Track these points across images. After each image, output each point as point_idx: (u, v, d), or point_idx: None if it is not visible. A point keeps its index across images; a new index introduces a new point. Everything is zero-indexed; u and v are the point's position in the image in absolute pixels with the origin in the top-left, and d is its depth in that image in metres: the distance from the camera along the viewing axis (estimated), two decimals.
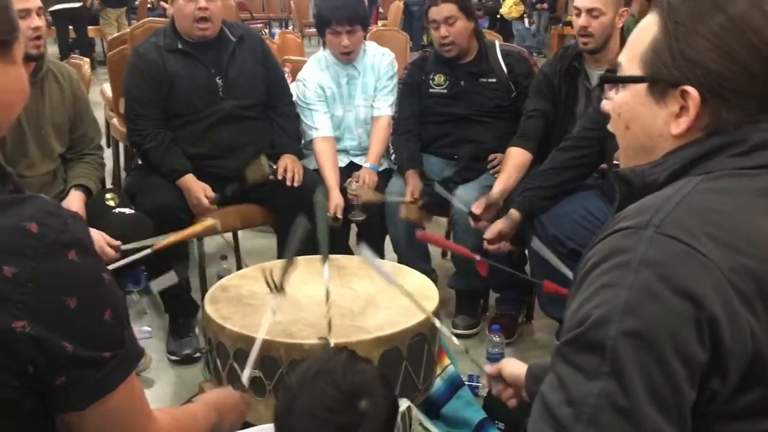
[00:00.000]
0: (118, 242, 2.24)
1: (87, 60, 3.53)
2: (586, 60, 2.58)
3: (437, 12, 2.75)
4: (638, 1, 4.91)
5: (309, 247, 2.38)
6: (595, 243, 0.94)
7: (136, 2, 10.07)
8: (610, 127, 1.06)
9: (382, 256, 2.86)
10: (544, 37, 10.40)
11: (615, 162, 2.12)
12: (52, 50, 8.34)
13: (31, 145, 2.42)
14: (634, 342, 0.83)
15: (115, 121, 3.54)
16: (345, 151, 3.03)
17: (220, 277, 2.59)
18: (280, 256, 2.67)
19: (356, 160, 3.01)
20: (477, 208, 2.45)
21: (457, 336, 2.67)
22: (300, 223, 1.77)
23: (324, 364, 1.10)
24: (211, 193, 2.59)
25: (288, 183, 2.70)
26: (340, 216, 2.71)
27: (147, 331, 2.68)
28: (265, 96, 2.81)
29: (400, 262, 2.63)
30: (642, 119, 0.98)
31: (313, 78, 2.94)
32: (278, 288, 1.65)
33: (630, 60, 0.99)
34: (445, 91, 2.85)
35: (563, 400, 0.86)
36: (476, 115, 2.83)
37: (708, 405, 0.85)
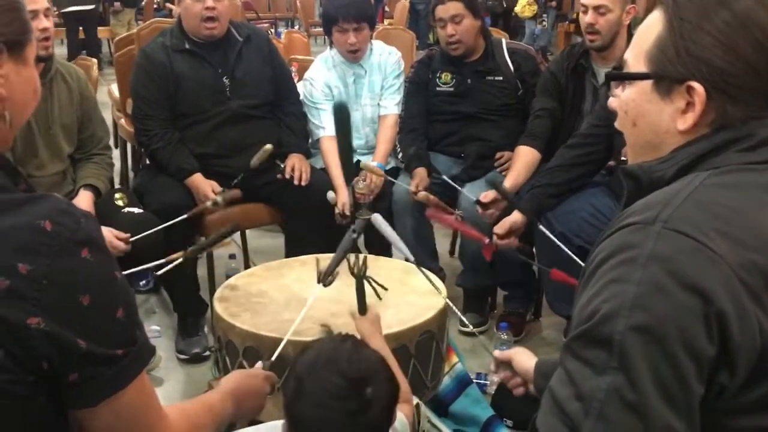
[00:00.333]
0: (126, 234, 2.25)
1: (95, 61, 3.55)
2: (593, 58, 2.58)
3: (444, 10, 2.75)
4: None
5: (320, 245, 2.40)
6: (602, 239, 0.94)
7: (143, 3, 10.11)
8: (617, 124, 1.07)
9: (389, 254, 2.86)
10: (551, 35, 10.38)
11: (623, 159, 2.13)
12: (61, 51, 8.38)
13: (40, 146, 2.43)
14: (643, 337, 0.83)
15: (122, 121, 3.55)
16: (352, 150, 3.03)
17: (228, 276, 2.60)
18: (288, 255, 2.68)
19: (363, 159, 3.01)
20: (485, 197, 2.46)
21: (465, 334, 2.71)
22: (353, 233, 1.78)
23: (330, 354, 1.12)
24: (218, 188, 2.60)
25: (296, 182, 2.71)
26: (347, 213, 2.72)
27: (156, 330, 2.69)
28: (272, 95, 2.81)
29: (407, 260, 2.62)
30: (648, 116, 0.99)
31: (320, 77, 2.94)
32: (323, 279, 1.69)
33: (635, 57, 1.00)
34: (451, 89, 2.86)
35: (572, 394, 0.86)
36: (483, 113, 2.83)
37: (716, 400, 0.85)
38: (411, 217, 2.76)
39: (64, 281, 0.89)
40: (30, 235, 0.88)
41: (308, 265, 2.19)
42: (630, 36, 2.53)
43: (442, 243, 3.21)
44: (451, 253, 3.38)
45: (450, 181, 2.56)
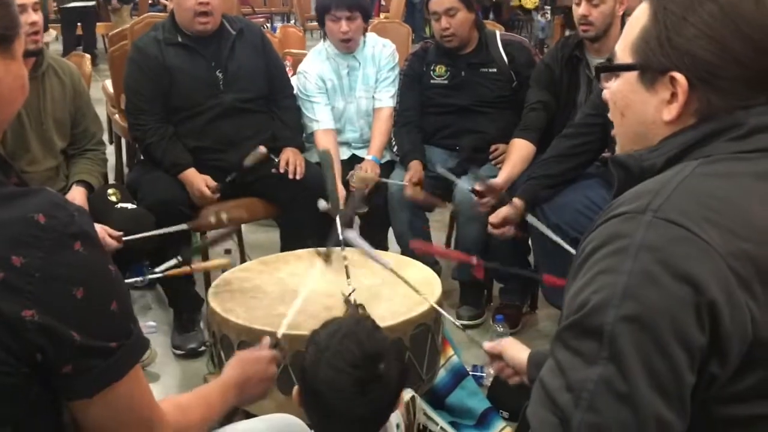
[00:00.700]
0: (119, 233, 2.25)
1: (88, 56, 3.53)
2: (587, 49, 2.58)
3: (438, 3, 2.74)
4: None
5: (313, 239, 2.40)
6: (593, 229, 0.94)
7: None
8: (609, 115, 1.07)
9: (385, 248, 2.86)
10: (550, 27, 10.35)
11: (616, 145, 2.12)
12: (56, 47, 8.35)
13: (32, 141, 2.42)
14: (633, 327, 0.83)
15: (117, 116, 3.53)
16: (347, 144, 3.02)
17: (223, 271, 2.60)
18: (283, 249, 2.67)
19: (358, 152, 3.00)
20: (480, 186, 2.46)
21: (461, 327, 2.71)
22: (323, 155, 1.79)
23: (352, 327, 1.22)
24: (213, 183, 2.59)
25: (290, 176, 2.70)
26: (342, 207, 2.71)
27: (152, 325, 2.69)
28: (266, 89, 2.80)
29: (403, 253, 2.62)
30: (635, 106, 1.00)
31: (313, 70, 2.94)
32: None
33: (623, 49, 1.01)
34: (446, 82, 2.85)
35: (562, 385, 0.86)
36: (478, 106, 2.82)
37: (707, 389, 0.85)
38: (406, 211, 2.76)
39: (57, 274, 0.89)
40: (23, 228, 0.88)
41: (303, 259, 2.19)
42: (623, 27, 2.52)
43: (438, 236, 3.20)
44: (448, 244, 3.37)
45: (446, 172, 2.55)
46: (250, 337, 1.77)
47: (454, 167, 2.82)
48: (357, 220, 2.98)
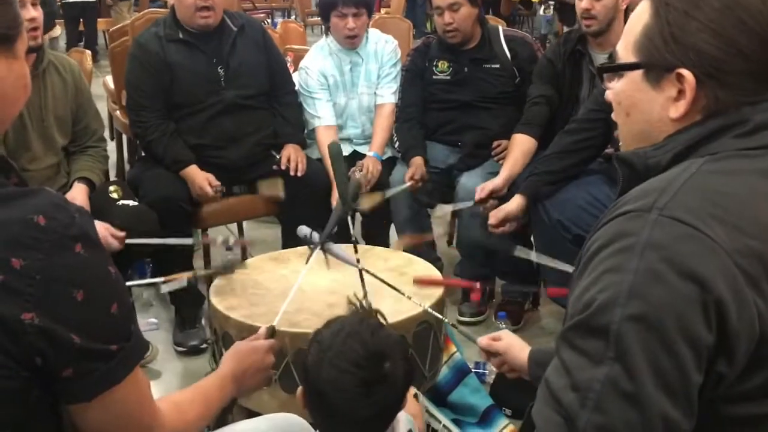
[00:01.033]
0: (122, 233, 2.24)
1: (89, 52, 3.52)
2: (590, 43, 2.56)
3: None
4: None
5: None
6: (598, 227, 0.93)
7: None
8: (613, 116, 1.07)
9: (386, 244, 2.85)
10: (553, 22, 10.31)
11: (620, 144, 2.12)
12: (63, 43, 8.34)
13: (33, 138, 2.41)
14: (639, 326, 0.82)
15: (118, 113, 3.53)
16: (348, 140, 3.01)
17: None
18: (285, 246, 2.67)
19: (360, 148, 2.99)
20: (481, 192, 2.45)
21: (463, 323, 2.71)
22: (333, 149, 1.78)
23: (356, 326, 1.19)
24: (216, 182, 2.58)
25: (291, 173, 2.69)
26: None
27: (153, 322, 2.69)
28: (267, 85, 2.79)
29: (405, 250, 2.61)
30: (640, 105, 0.99)
31: (315, 66, 2.92)
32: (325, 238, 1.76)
33: (625, 48, 1.00)
34: (448, 77, 2.84)
35: (568, 385, 0.85)
36: (480, 102, 2.81)
37: (715, 388, 0.84)
38: (408, 207, 2.75)
39: (58, 276, 0.88)
40: (23, 230, 0.87)
41: (305, 256, 2.18)
42: (627, 21, 2.51)
43: (440, 233, 3.20)
44: (449, 242, 3.37)
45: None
46: (251, 335, 1.76)
47: (456, 163, 2.81)
48: (358, 217, 2.97)
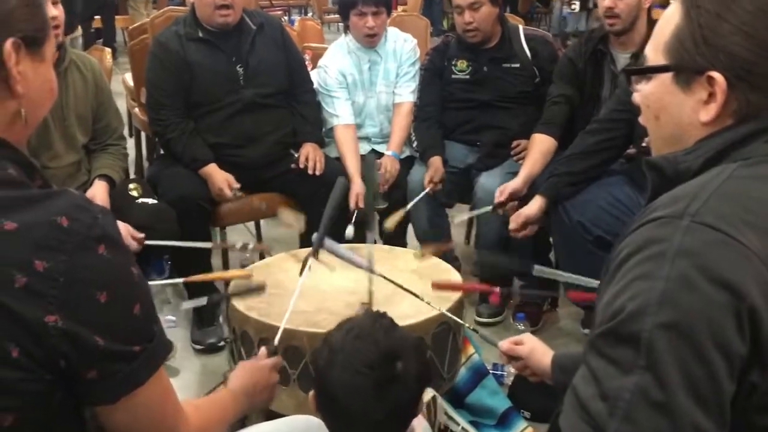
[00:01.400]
0: (141, 235, 2.25)
1: (108, 50, 3.54)
2: (612, 43, 2.54)
3: None
4: None
5: (335, 236, 2.39)
6: (627, 233, 0.92)
7: None
8: (640, 119, 1.05)
9: (404, 244, 2.85)
10: (580, 19, 10.22)
11: (643, 145, 2.10)
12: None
13: (55, 137, 2.43)
14: (671, 334, 0.81)
15: (137, 110, 3.54)
16: (366, 139, 3.01)
17: (243, 266, 2.60)
18: (302, 245, 2.66)
19: (378, 147, 2.98)
20: (500, 196, 2.44)
21: (481, 324, 2.69)
22: (339, 182, 1.78)
23: (367, 325, 1.16)
24: (235, 184, 2.58)
25: (309, 172, 2.69)
26: (362, 205, 2.70)
27: (171, 320, 2.70)
28: (286, 84, 2.79)
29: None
30: (670, 109, 0.97)
31: (334, 64, 2.92)
32: (312, 253, 1.74)
33: (654, 50, 0.99)
34: (467, 76, 2.82)
35: (597, 394, 0.84)
36: (499, 101, 2.79)
37: (747, 398, 0.83)
38: (426, 207, 2.74)
39: (81, 278, 0.88)
40: (47, 232, 0.87)
41: (322, 255, 2.17)
42: (650, 20, 2.49)
43: (458, 232, 3.18)
44: (467, 242, 3.35)
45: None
46: (270, 334, 1.76)
47: (474, 163, 2.80)
48: (376, 216, 2.97)
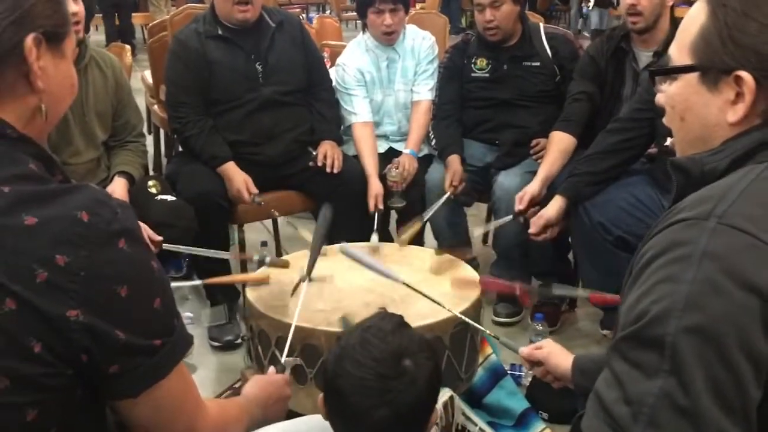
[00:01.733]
0: (159, 238, 2.25)
1: (128, 47, 3.56)
2: (633, 41, 2.51)
3: None
4: None
5: (352, 233, 2.38)
6: (651, 235, 0.91)
7: None
8: (665, 120, 1.04)
9: (421, 243, 2.83)
10: (601, 15, 10.14)
11: (666, 144, 2.07)
12: (96, 38, 8.45)
13: (75, 133, 2.44)
14: (696, 338, 0.79)
15: (156, 107, 3.56)
16: (384, 137, 3.00)
17: (260, 264, 2.60)
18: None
19: (396, 145, 2.97)
20: (520, 204, 2.42)
21: (499, 324, 2.68)
22: (325, 211, 1.77)
23: (377, 322, 1.16)
24: (254, 189, 2.58)
25: (327, 170, 2.69)
26: (381, 206, 2.69)
27: (189, 316, 2.70)
28: (305, 82, 2.79)
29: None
30: (696, 109, 0.96)
31: (352, 62, 2.91)
32: (306, 276, 1.74)
33: (680, 50, 0.98)
34: (487, 75, 2.80)
35: (620, 398, 0.83)
36: (519, 100, 2.77)
37: None
38: (444, 206, 2.72)
39: (102, 273, 0.88)
40: (67, 227, 0.87)
41: (340, 253, 2.17)
42: (673, 18, 2.46)
43: (475, 231, 3.16)
44: (485, 241, 3.34)
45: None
46: (287, 333, 1.76)
47: (493, 161, 2.78)
48: (393, 215, 2.96)
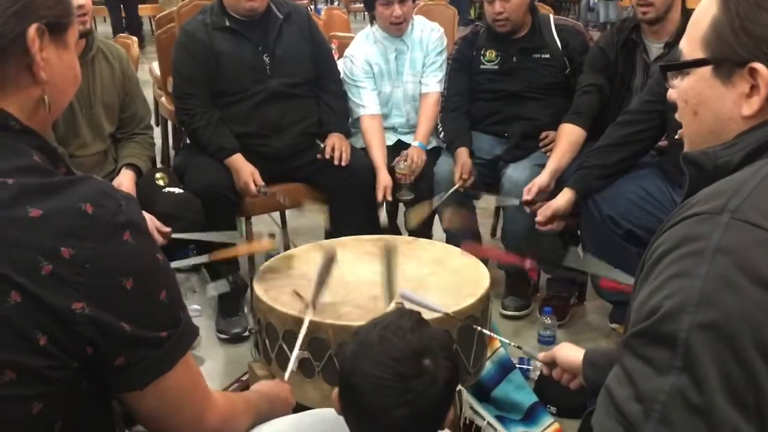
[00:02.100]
0: (168, 229, 2.25)
1: (135, 39, 3.55)
2: (644, 32, 2.48)
3: None
4: None
5: (359, 226, 2.38)
6: (663, 229, 0.89)
7: None
8: (677, 115, 1.03)
9: (429, 236, 2.82)
10: (609, 6, 10.08)
11: (677, 137, 2.06)
12: (104, 30, 8.45)
13: (82, 125, 2.44)
14: (710, 335, 0.78)
15: (163, 99, 3.56)
16: (393, 129, 2.98)
17: (268, 256, 2.59)
18: (327, 236, 2.66)
19: (404, 138, 2.96)
20: (528, 194, 2.40)
21: (507, 318, 2.67)
22: (327, 257, 1.76)
23: (396, 320, 1.13)
24: (260, 181, 2.57)
25: (335, 162, 2.68)
26: (389, 197, 2.68)
27: (196, 309, 2.71)
28: (313, 74, 2.77)
29: (448, 242, 2.58)
30: (710, 103, 0.95)
31: (360, 54, 2.90)
32: (311, 305, 1.72)
33: (691, 44, 0.96)
34: (496, 67, 2.78)
35: (631, 395, 0.81)
36: (528, 92, 2.75)
37: None
38: (452, 198, 2.71)
39: (107, 265, 0.88)
40: (72, 219, 0.87)
41: (348, 246, 2.16)
42: (684, 9, 2.43)
43: (484, 224, 3.15)
44: (493, 234, 3.32)
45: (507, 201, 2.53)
46: (295, 326, 1.76)
47: (502, 154, 2.76)
48: (401, 207, 2.95)
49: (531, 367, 2.27)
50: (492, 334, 1.83)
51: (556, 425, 2.03)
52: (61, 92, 0.99)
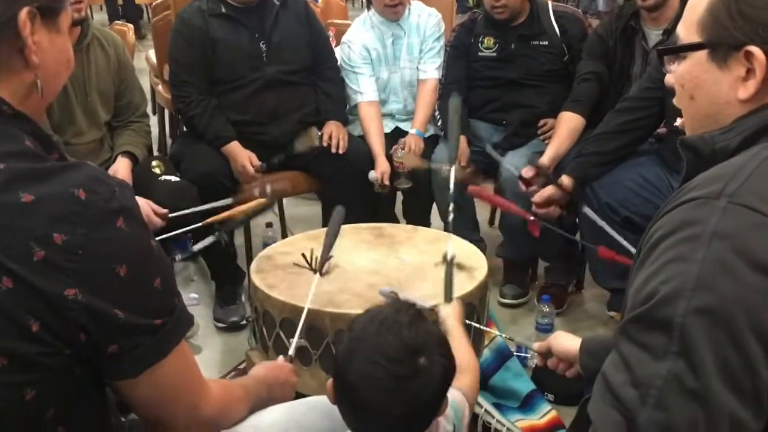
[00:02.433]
0: (165, 210, 2.24)
1: (131, 26, 3.53)
2: (643, 19, 2.46)
3: None
4: None
5: (356, 215, 2.36)
6: (660, 215, 0.89)
7: None
8: (675, 100, 1.02)
9: (428, 224, 2.82)
10: None
11: (676, 125, 2.04)
12: (100, 17, 8.40)
13: (77, 113, 2.43)
14: (706, 319, 0.78)
15: (160, 87, 3.54)
16: (390, 116, 2.97)
17: (265, 245, 2.59)
18: (325, 224, 2.65)
19: (402, 125, 2.95)
20: (527, 172, 2.39)
21: (505, 306, 2.67)
22: (338, 212, 1.75)
23: (391, 316, 1.10)
24: (257, 161, 2.57)
25: (333, 150, 2.66)
26: (387, 183, 2.67)
27: (194, 298, 2.70)
28: (310, 61, 2.76)
29: (446, 230, 2.57)
30: (706, 87, 0.94)
31: (357, 39, 2.88)
32: (317, 270, 1.73)
33: (687, 28, 0.96)
34: (494, 54, 2.76)
35: (628, 381, 0.81)
36: (526, 79, 2.73)
37: None
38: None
39: (100, 251, 0.87)
40: (65, 205, 0.86)
41: (346, 235, 2.15)
42: None
43: (482, 212, 3.15)
44: (491, 222, 3.32)
45: (493, 153, 2.50)
46: (292, 314, 1.75)
47: (500, 142, 2.75)
48: (399, 195, 2.95)
49: (529, 355, 2.27)
50: (485, 328, 1.83)
51: (553, 413, 2.04)
52: (53, 77, 0.98)
